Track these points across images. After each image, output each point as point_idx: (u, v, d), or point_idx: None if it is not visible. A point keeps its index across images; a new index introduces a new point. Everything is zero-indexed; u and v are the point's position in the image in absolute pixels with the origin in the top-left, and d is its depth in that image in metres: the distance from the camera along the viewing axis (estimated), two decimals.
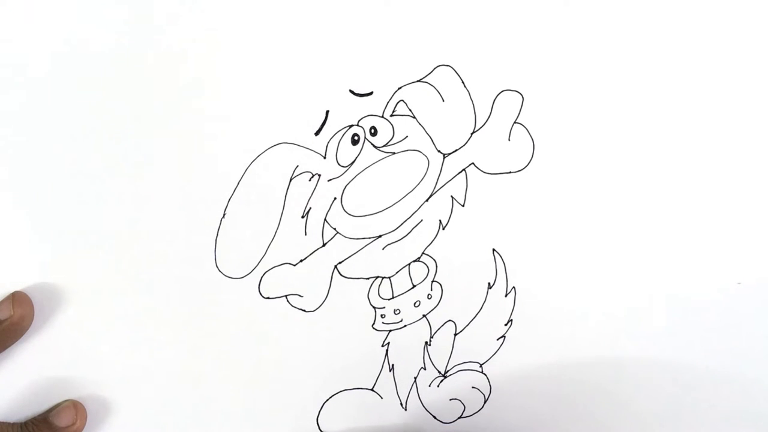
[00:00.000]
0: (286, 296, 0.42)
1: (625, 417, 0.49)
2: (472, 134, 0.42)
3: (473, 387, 0.47)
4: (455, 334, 0.46)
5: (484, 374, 0.47)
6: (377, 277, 0.43)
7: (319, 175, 0.40)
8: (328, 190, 0.41)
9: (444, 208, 0.43)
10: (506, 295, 0.45)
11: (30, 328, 0.38)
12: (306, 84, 0.38)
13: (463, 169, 0.42)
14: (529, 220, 0.44)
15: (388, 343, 0.45)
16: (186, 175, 0.38)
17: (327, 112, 0.39)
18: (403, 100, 0.40)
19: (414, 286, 0.44)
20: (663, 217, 0.45)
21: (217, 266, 0.40)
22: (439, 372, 0.47)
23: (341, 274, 0.42)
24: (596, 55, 0.41)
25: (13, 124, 0.36)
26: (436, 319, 0.45)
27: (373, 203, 0.42)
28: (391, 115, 0.40)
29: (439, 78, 0.40)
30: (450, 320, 0.45)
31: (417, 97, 0.40)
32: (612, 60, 0.42)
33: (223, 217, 0.39)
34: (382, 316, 0.44)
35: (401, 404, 0.47)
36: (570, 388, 0.48)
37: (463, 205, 0.43)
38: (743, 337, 0.48)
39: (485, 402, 0.48)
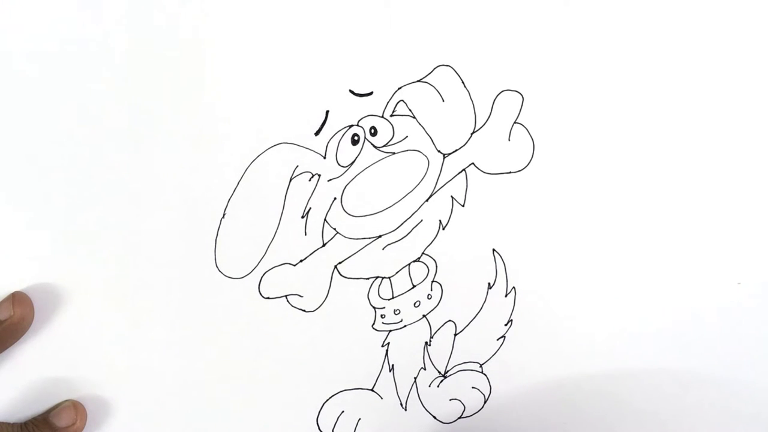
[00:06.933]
0: (286, 296, 0.42)
1: (624, 417, 0.49)
2: (472, 134, 0.42)
3: (473, 387, 0.47)
4: (455, 334, 0.46)
5: (484, 374, 0.47)
6: (377, 277, 0.43)
7: (319, 175, 0.40)
8: (328, 190, 0.41)
9: (444, 208, 0.43)
10: (506, 295, 0.45)
11: (30, 328, 0.38)
12: (306, 84, 0.38)
13: (463, 169, 0.42)
14: (529, 220, 0.44)
15: (388, 343, 0.45)
16: (186, 175, 0.38)
17: (327, 112, 0.39)
18: (403, 100, 0.40)
19: (414, 286, 0.44)
20: (663, 218, 0.45)
21: (217, 266, 0.40)
22: (439, 372, 0.47)
23: (341, 274, 0.42)
24: (596, 55, 0.41)
25: (12, 123, 0.36)
26: (436, 319, 0.45)
27: (373, 203, 0.42)
28: (391, 115, 0.40)
29: (439, 78, 0.40)
30: (450, 320, 0.45)
31: (417, 97, 0.40)
32: (612, 60, 0.42)
33: (223, 217, 0.39)
34: (382, 316, 0.44)
35: (401, 404, 0.47)
36: (570, 388, 0.48)
37: (463, 205, 0.43)
38: (743, 338, 0.48)
39: (485, 402, 0.47)
